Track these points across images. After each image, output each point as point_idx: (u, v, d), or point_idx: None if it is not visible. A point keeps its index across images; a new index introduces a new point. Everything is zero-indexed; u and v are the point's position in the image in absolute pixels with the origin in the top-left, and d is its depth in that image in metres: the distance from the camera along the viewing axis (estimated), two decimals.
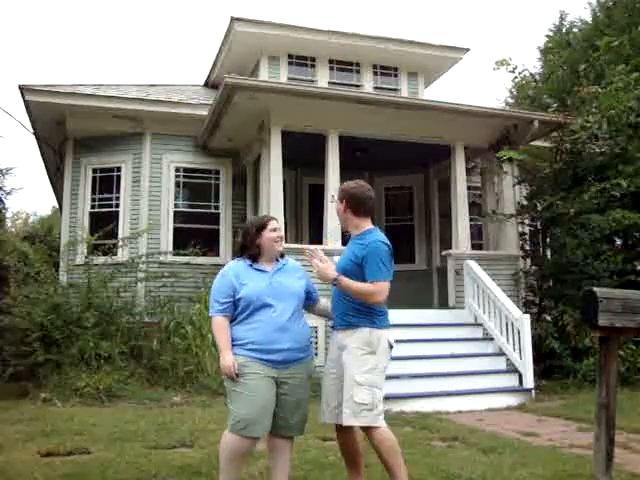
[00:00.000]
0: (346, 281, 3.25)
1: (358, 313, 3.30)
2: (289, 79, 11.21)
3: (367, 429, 3.20)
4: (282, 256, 3.48)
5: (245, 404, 3.12)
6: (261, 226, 3.39)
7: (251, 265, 3.35)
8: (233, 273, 3.31)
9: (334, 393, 3.30)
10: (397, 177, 11.59)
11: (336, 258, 7.99)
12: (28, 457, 4.33)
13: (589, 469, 3.71)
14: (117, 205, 10.06)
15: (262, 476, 3.79)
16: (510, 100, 22.09)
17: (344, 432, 3.31)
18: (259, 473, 3.84)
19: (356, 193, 3.46)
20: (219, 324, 3.27)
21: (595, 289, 2.87)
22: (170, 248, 9.70)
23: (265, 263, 3.38)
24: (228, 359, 3.16)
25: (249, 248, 3.38)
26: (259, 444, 3.36)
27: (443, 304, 9.31)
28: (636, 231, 9.23)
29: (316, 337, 8.08)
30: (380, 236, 3.39)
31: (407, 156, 10.33)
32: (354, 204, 3.44)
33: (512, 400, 7.04)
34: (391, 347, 3.37)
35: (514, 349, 7.43)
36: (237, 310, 3.26)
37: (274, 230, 3.37)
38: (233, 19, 10.84)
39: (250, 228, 3.42)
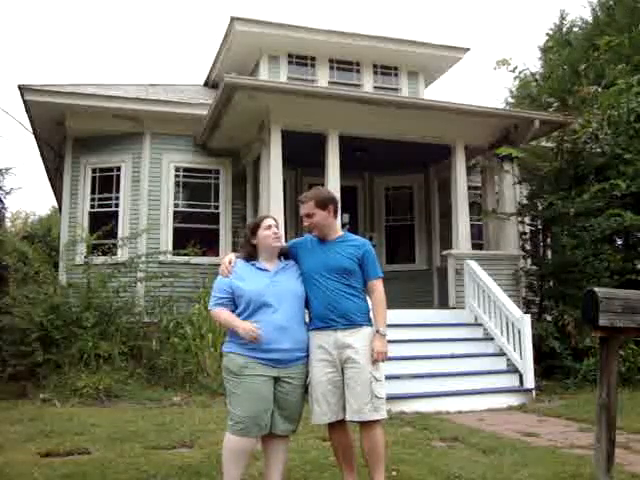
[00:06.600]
0: (382, 322, 3.36)
1: (361, 313, 3.39)
2: (289, 79, 11.20)
3: (375, 424, 3.27)
4: (287, 256, 3.50)
5: (243, 405, 3.15)
6: (255, 226, 3.43)
7: (253, 264, 3.38)
8: (232, 273, 3.34)
9: (332, 391, 3.30)
10: (397, 177, 11.58)
11: None
12: (28, 457, 4.33)
13: (590, 469, 3.71)
14: (117, 205, 10.04)
15: (262, 477, 3.77)
16: (510, 100, 22.07)
17: (340, 427, 3.35)
18: (259, 474, 3.82)
19: (336, 198, 3.55)
20: (218, 312, 3.32)
21: (596, 289, 2.87)
22: (170, 248, 9.67)
23: (265, 262, 3.40)
24: (245, 324, 3.17)
25: (244, 247, 3.46)
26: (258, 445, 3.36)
27: (443, 304, 9.29)
28: (637, 231, 9.22)
29: None
30: None
31: (407, 156, 10.32)
32: (336, 209, 3.52)
33: (512, 400, 7.03)
34: None
35: (514, 349, 7.42)
36: (238, 309, 3.28)
37: (268, 227, 3.39)
38: (233, 19, 10.84)
39: (246, 230, 3.51)
